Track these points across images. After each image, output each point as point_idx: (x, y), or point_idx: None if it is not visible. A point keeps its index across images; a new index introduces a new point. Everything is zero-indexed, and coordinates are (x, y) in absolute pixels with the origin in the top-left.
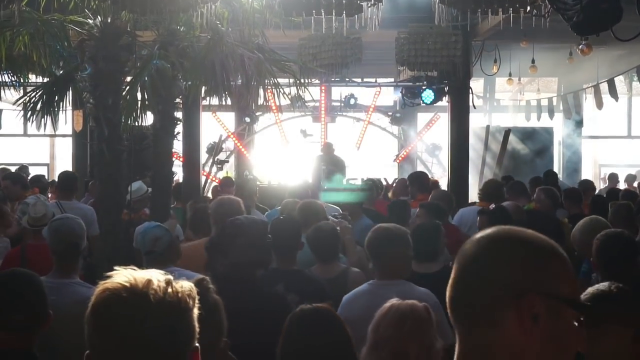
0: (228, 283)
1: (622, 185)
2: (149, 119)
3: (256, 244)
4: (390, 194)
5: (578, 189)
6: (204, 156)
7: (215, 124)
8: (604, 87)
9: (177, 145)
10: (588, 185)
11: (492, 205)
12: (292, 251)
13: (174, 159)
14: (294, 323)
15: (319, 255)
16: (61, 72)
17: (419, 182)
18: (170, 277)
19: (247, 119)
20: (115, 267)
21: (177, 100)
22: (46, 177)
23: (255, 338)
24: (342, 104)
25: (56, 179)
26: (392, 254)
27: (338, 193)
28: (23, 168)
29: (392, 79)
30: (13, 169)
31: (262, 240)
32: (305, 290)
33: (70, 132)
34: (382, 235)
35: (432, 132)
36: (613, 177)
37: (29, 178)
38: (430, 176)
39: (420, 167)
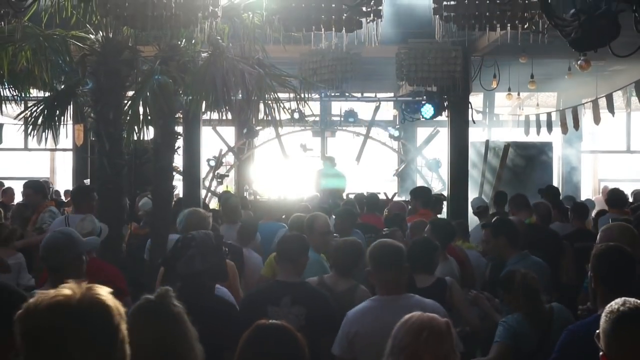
0: (181, 291)
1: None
2: (149, 133)
3: (206, 255)
4: (386, 212)
5: (586, 204)
6: (204, 170)
7: (215, 138)
8: (603, 102)
9: (178, 160)
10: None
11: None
12: (299, 265)
13: (174, 173)
14: (249, 338)
15: (338, 267)
16: (62, 86)
17: (423, 196)
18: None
19: (245, 130)
20: None
21: (178, 114)
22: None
23: (203, 339)
24: (342, 119)
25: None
26: (395, 269)
27: (336, 178)
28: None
29: (391, 94)
30: (14, 182)
31: (213, 252)
32: (311, 302)
33: (71, 146)
34: (383, 250)
35: (431, 147)
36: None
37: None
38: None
39: (420, 182)
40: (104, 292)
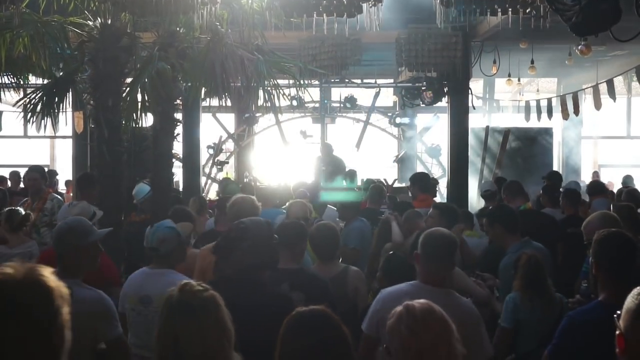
0: (234, 284)
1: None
2: (149, 120)
3: (260, 246)
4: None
5: (577, 190)
6: (204, 157)
7: (215, 125)
8: (603, 87)
9: (177, 147)
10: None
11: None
12: (299, 252)
13: (173, 159)
14: (291, 326)
15: (320, 254)
16: (61, 73)
17: (421, 182)
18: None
19: (247, 115)
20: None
21: (177, 101)
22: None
23: (260, 337)
24: (342, 105)
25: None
26: (443, 261)
27: (337, 192)
28: (52, 172)
29: (391, 80)
30: (11, 170)
31: (267, 242)
32: (310, 289)
33: (70, 133)
34: (436, 240)
35: (432, 133)
36: None
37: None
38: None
39: (420, 168)
40: (47, 273)
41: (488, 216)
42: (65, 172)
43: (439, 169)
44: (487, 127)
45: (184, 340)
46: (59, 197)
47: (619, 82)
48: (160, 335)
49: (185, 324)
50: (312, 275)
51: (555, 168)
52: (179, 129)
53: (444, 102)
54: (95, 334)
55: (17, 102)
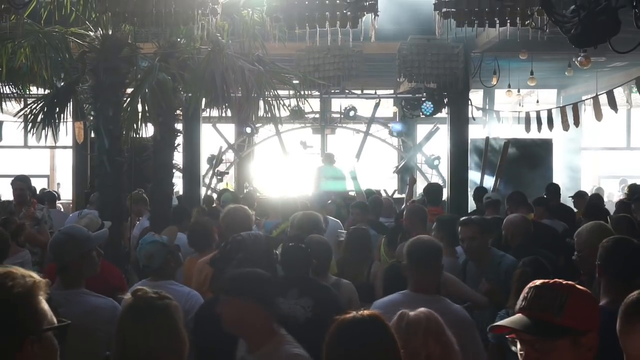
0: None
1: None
2: (149, 130)
3: (255, 259)
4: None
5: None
6: (204, 168)
7: (215, 136)
8: (603, 98)
9: (177, 157)
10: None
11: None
12: (302, 274)
13: (173, 170)
14: (337, 332)
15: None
16: (62, 84)
17: (430, 194)
18: None
19: (248, 130)
20: None
21: (178, 112)
22: (46, 188)
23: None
24: (342, 116)
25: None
26: (429, 267)
27: (336, 182)
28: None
29: (391, 91)
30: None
31: (263, 255)
32: (319, 295)
33: (70, 143)
34: (420, 248)
35: (431, 144)
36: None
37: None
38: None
39: (420, 179)
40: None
41: (486, 226)
42: (65, 182)
43: (438, 179)
44: (487, 138)
45: (130, 342)
46: (45, 207)
47: (618, 93)
48: (115, 337)
49: (132, 326)
50: (321, 284)
51: (554, 179)
52: (179, 140)
53: (443, 113)
54: (109, 342)
55: (18, 112)
